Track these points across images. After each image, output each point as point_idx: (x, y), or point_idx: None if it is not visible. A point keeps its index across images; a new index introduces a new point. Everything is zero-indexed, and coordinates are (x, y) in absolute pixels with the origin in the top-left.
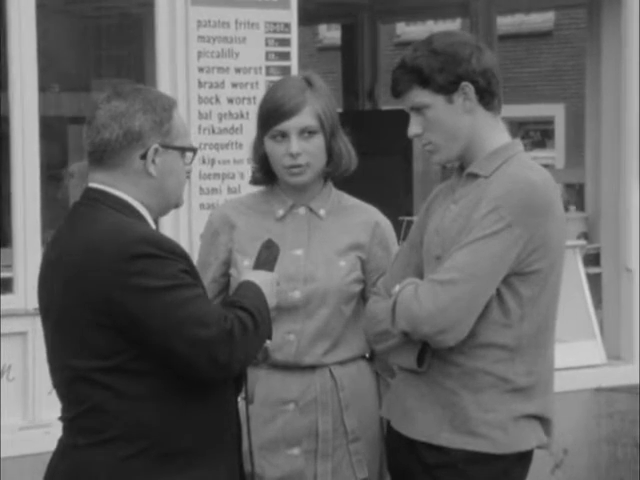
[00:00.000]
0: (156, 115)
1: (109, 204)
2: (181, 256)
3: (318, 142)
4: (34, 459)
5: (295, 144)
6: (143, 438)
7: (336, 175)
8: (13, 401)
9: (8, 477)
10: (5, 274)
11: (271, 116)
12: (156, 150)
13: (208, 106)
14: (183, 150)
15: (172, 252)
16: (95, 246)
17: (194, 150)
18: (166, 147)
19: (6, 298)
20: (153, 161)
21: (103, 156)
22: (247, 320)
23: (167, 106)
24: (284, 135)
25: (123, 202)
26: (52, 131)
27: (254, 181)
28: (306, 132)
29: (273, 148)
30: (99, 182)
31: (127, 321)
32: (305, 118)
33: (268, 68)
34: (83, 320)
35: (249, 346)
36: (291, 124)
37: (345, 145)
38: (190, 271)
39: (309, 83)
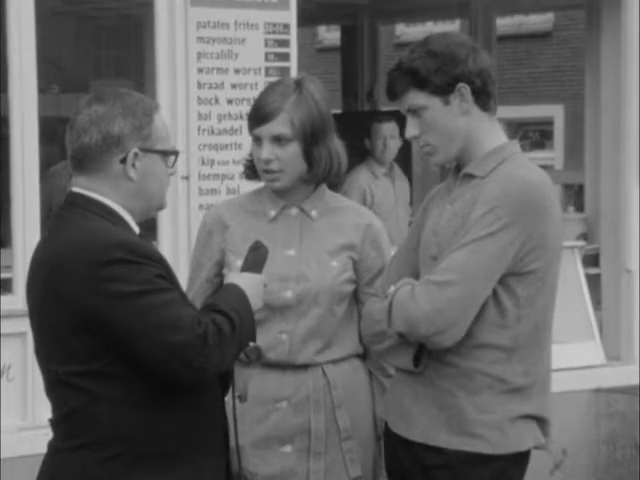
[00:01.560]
0: (136, 119)
1: (90, 208)
2: (156, 261)
3: (292, 150)
4: (33, 460)
5: (266, 150)
6: (121, 442)
7: (323, 179)
8: (12, 402)
9: (7, 478)
10: (5, 275)
11: (251, 119)
12: (136, 154)
13: (207, 107)
14: (164, 153)
15: (146, 257)
16: (70, 251)
17: (176, 153)
18: (146, 151)
19: (6, 299)
20: (133, 165)
21: (84, 160)
22: (223, 323)
23: (148, 110)
24: (259, 140)
25: (105, 207)
26: (51, 132)
27: (245, 176)
28: (279, 139)
29: (253, 150)
30: (81, 186)
31: (101, 326)
32: (277, 126)
33: (267, 69)
34: (60, 324)
35: (226, 349)
36: (263, 130)
37: (329, 151)
38: (166, 275)
39: (299, 87)
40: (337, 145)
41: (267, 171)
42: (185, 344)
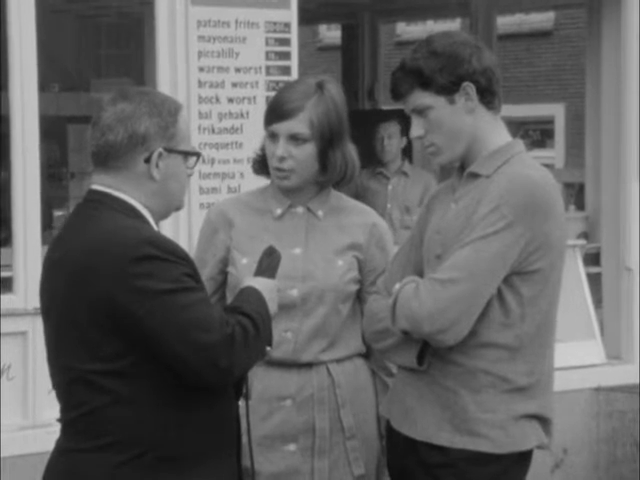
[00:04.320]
0: (162, 119)
1: (112, 206)
2: (184, 259)
3: (308, 150)
4: (34, 459)
5: (282, 148)
6: (141, 444)
7: (336, 184)
8: (13, 401)
9: (8, 477)
10: (5, 274)
11: (268, 115)
12: (160, 154)
13: (208, 106)
14: (187, 154)
15: (176, 255)
16: (99, 248)
17: (198, 155)
18: (170, 151)
19: (6, 298)
20: (157, 165)
21: (107, 158)
22: (248, 325)
23: (173, 110)
24: (275, 136)
25: (126, 204)
26: (52, 131)
27: (254, 170)
28: (296, 138)
29: (267, 146)
30: (102, 184)
31: (129, 323)
32: (296, 124)
33: (268, 68)
34: (86, 321)
35: (250, 351)
36: (281, 127)
37: (343, 155)
38: (193, 274)
39: (320, 89)
40: (351, 150)
41: (279, 169)
42: (214, 344)
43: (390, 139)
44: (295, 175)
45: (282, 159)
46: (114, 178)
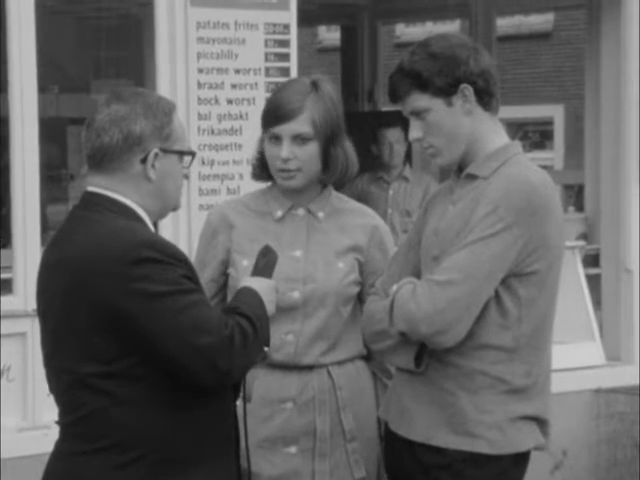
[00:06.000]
0: (157, 120)
1: (109, 208)
2: (182, 261)
3: (312, 149)
4: (33, 460)
5: (286, 149)
6: (140, 446)
7: (334, 182)
8: (13, 402)
9: (7, 478)
10: (5, 275)
11: (268, 118)
12: (156, 154)
13: (207, 107)
14: (182, 154)
15: (174, 257)
16: (96, 250)
17: (193, 154)
18: (166, 151)
19: (6, 299)
20: (153, 165)
21: (103, 160)
22: (247, 327)
23: (167, 110)
24: (278, 138)
25: (123, 206)
26: (51, 132)
27: (254, 175)
28: (300, 138)
29: (268, 149)
30: (98, 186)
31: (128, 326)
32: (300, 124)
33: (267, 69)
34: (84, 324)
35: (249, 352)
36: (285, 129)
37: (344, 152)
38: (191, 276)
39: (315, 87)
40: (349, 147)
41: (285, 170)
42: (213, 346)
43: (398, 144)
44: (301, 174)
45: (287, 160)
46: (110, 179)
